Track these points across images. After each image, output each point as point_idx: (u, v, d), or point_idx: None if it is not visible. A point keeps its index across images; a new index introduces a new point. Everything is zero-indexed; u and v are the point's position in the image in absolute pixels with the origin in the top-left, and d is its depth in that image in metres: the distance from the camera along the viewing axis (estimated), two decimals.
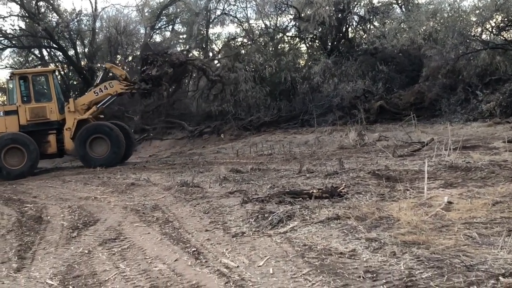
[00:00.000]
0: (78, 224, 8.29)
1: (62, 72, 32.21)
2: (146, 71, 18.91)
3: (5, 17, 28.85)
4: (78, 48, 31.46)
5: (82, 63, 31.24)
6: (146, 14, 31.83)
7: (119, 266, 5.91)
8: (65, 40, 30.65)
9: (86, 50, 31.69)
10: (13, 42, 30.07)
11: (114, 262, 6.09)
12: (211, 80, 23.13)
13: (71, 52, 30.91)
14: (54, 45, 30.25)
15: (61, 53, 31.06)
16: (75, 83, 32.48)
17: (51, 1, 29.37)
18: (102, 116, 18.95)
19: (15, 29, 29.32)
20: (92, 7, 31.04)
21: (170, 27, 34.47)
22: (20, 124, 17.16)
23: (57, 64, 31.81)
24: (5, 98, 18.24)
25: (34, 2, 28.81)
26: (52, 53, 32.23)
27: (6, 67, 31.05)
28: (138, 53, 31.52)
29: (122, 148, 17.87)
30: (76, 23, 30.82)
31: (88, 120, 17.93)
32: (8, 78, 18.67)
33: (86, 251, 6.70)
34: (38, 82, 18.15)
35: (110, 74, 20.35)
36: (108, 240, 7.11)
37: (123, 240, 7.06)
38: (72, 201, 10.59)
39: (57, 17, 29.74)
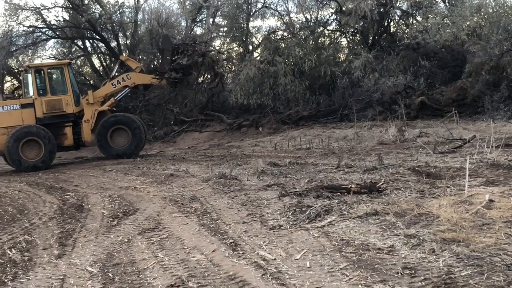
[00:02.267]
0: (118, 213, 8.42)
1: (105, 64, 32.70)
2: (176, 61, 19.19)
3: (49, 8, 29.45)
4: (120, 40, 31.85)
5: (124, 54, 31.62)
6: (188, 6, 32.02)
7: (158, 255, 5.99)
8: (107, 32, 31.06)
9: (128, 42, 32.07)
10: (57, 33, 30.59)
11: (153, 251, 6.17)
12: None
13: (113, 44, 31.31)
14: (97, 37, 30.70)
15: (103, 45, 31.48)
16: (116, 74, 32.88)
17: None
18: (115, 108, 19.28)
19: (59, 20, 29.88)
20: (134, 0, 31.37)
21: (211, 20, 34.57)
22: (36, 117, 17.46)
23: (99, 55, 32.30)
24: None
25: None
26: (95, 44, 32.73)
27: (50, 57, 31.62)
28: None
29: (143, 140, 18.32)
30: (118, 15, 31.21)
31: (105, 112, 18.28)
32: (24, 71, 18.97)
33: (126, 240, 6.80)
34: (53, 75, 18.41)
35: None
36: (147, 230, 7.21)
37: (161, 230, 7.15)
38: (113, 191, 10.77)
39: (100, 9, 30.18)
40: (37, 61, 30.21)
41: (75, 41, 32.43)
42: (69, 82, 17.94)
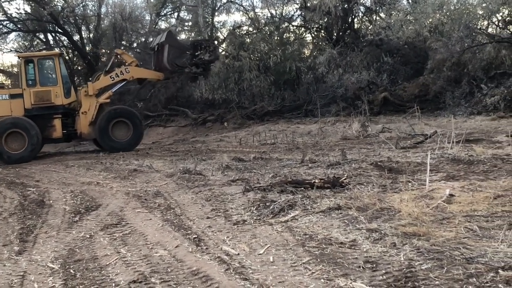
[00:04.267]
0: (80, 209, 8.32)
1: (67, 57, 32.23)
2: (199, 56, 19.54)
3: (10, 0, 28.94)
4: (83, 33, 31.48)
5: (87, 48, 31.28)
6: (152, 0, 31.79)
7: (120, 251, 5.94)
8: (70, 25, 30.68)
9: (91, 35, 31.72)
10: (18, 26, 30.08)
11: (115, 247, 6.12)
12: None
13: (76, 37, 30.96)
14: (59, 30, 30.28)
15: (66, 38, 31.10)
16: (79, 68, 32.51)
17: None
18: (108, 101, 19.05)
19: (20, 13, 29.38)
20: None
21: (176, 14, 34.43)
22: (25, 108, 17.16)
23: (62, 49, 31.83)
24: (9, 82, 18.37)
25: None
26: (57, 37, 32.29)
27: (11, 51, 31.09)
28: (143, 39, 31.56)
29: (142, 133, 18.49)
30: (81, 8, 30.91)
31: (102, 104, 18.16)
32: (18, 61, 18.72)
33: (88, 236, 6.73)
34: (44, 65, 18.09)
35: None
36: (110, 225, 7.14)
37: (124, 226, 7.09)
38: (75, 186, 10.63)
39: (63, 1, 29.75)
40: None
41: (37, 34, 31.93)
42: (60, 73, 17.64)
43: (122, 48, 28.10)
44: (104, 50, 32.01)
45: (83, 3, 30.62)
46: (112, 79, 18.41)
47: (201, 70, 20.12)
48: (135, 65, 19.00)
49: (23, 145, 16.73)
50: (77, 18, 30.53)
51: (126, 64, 18.95)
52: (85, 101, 17.89)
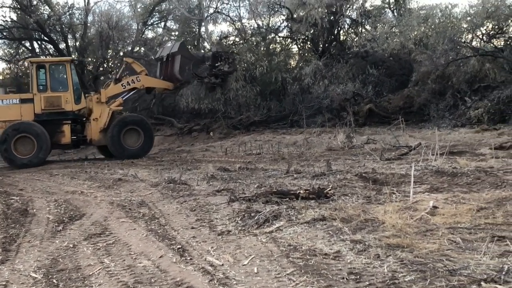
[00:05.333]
0: (64, 218, 8.27)
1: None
2: (218, 67, 20.32)
3: None
4: (69, 41, 31.35)
5: (73, 56, 31.12)
6: (139, 9, 31.77)
7: (104, 261, 5.90)
8: (56, 33, 30.56)
9: (77, 44, 31.60)
10: (4, 33, 29.90)
11: (99, 257, 6.09)
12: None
13: (62, 46, 30.82)
14: (45, 38, 30.16)
15: (52, 46, 30.96)
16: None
17: None
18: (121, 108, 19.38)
19: (6, 21, 29.25)
20: (84, 1, 31.01)
21: (163, 23, 34.42)
22: (35, 113, 17.27)
23: (48, 57, 31.67)
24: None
25: None
26: (43, 45, 32.13)
27: None
28: (130, 48, 31.51)
29: (153, 141, 18.79)
30: (68, 17, 30.78)
31: (113, 112, 18.39)
32: (28, 66, 18.84)
33: (71, 245, 6.69)
34: (55, 71, 18.17)
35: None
36: (94, 235, 7.10)
37: (108, 235, 7.06)
38: (59, 195, 10.56)
39: (49, 10, 29.69)
40: None
41: (23, 42, 31.76)
42: (71, 79, 17.77)
43: (109, 57, 28.11)
44: (90, 59, 31.92)
45: (70, 12, 30.55)
46: (124, 87, 18.64)
47: (220, 80, 20.96)
48: (145, 74, 19.23)
49: (32, 150, 16.84)
50: (63, 26, 30.42)
51: (138, 72, 19.19)
52: (97, 108, 18.07)
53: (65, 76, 17.85)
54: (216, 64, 20.50)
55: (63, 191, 11.05)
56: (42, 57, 28.37)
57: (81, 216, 8.40)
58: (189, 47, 30.34)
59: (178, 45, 19.77)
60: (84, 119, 18.24)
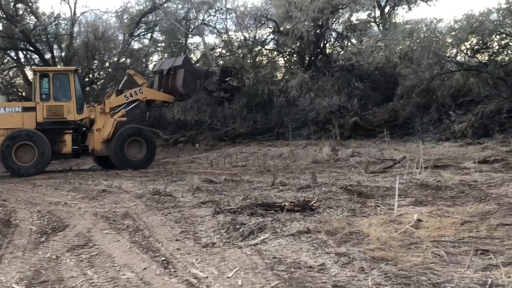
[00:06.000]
0: (47, 229, 8.19)
1: None
2: (227, 82, 20.51)
3: None
4: (55, 51, 31.23)
5: (59, 66, 31.00)
6: (125, 20, 31.75)
7: (87, 273, 5.85)
8: (42, 43, 30.44)
9: (63, 54, 31.47)
10: None
11: (82, 269, 6.03)
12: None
13: (48, 56, 30.68)
14: (31, 48, 30.00)
15: (37, 56, 30.80)
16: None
17: (30, 4, 29.16)
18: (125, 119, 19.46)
19: None
20: (71, 12, 30.85)
21: (149, 35, 34.42)
22: (37, 121, 17.24)
23: (33, 67, 31.54)
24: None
25: (12, 4, 28.56)
26: (29, 55, 31.96)
27: None
28: (116, 59, 31.44)
29: (156, 151, 18.88)
30: (54, 27, 30.69)
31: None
32: (33, 74, 18.83)
33: (54, 257, 6.62)
34: (58, 80, 18.10)
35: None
36: (77, 247, 7.03)
37: (92, 247, 6.99)
38: (42, 206, 10.46)
39: (35, 19, 29.56)
40: None
41: (8, 51, 31.57)
42: (74, 89, 17.72)
43: (94, 67, 28.04)
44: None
45: (56, 22, 30.45)
46: (127, 98, 18.73)
47: (229, 95, 21.03)
48: (146, 86, 19.36)
49: (32, 158, 16.82)
50: (49, 36, 30.33)
51: (140, 84, 19.34)
52: (100, 118, 18.12)
53: (68, 86, 17.82)
54: (226, 79, 20.71)
55: (47, 202, 10.96)
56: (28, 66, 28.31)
57: (65, 227, 8.32)
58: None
59: (182, 59, 20.05)
60: (85, 129, 18.28)
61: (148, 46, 33.84)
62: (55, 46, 31.34)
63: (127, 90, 19.11)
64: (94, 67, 31.36)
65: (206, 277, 5.38)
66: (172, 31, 31.81)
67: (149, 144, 18.27)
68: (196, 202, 9.64)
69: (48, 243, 7.38)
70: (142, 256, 6.32)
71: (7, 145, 16.64)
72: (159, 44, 34.29)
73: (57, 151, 17.58)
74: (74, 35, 31.35)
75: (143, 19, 32.40)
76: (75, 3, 31.32)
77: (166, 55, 33.51)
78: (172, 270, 5.68)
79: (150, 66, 32.11)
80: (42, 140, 16.88)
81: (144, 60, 33.64)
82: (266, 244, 6.44)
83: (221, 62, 27.06)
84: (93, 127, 18.12)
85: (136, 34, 33.22)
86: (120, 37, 32.58)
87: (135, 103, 19.31)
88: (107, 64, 31.03)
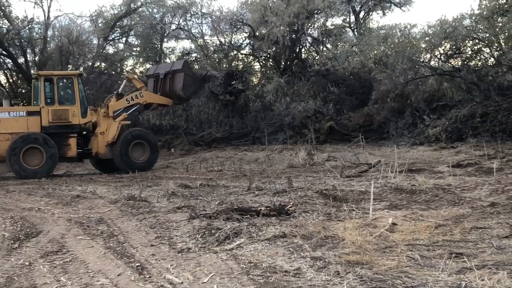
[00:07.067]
0: (20, 236, 8.06)
1: (11, 80, 31.57)
2: (233, 85, 21.44)
3: None
4: (28, 56, 30.88)
5: (32, 71, 30.66)
6: (100, 25, 31.53)
7: (60, 280, 5.77)
8: (15, 48, 30.06)
9: (37, 58, 31.14)
10: None
11: (55, 275, 5.95)
12: None
13: (21, 60, 30.31)
14: (4, 52, 29.60)
15: (10, 61, 30.40)
16: (23, 91, 31.83)
17: (3, 8, 28.77)
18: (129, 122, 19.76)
19: None
20: (44, 16, 30.56)
21: (124, 39, 34.24)
22: (42, 125, 17.30)
23: (6, 71, 31.19)
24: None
25: None
26: (1, 60, 31.53)
27: None
28: (90, 64, 31.21)
29: (158, 154, 19.25)
30: (27, 31, 30.33)
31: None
32: (34, 78, 18.87)
33: (27, 263, 6.52)
34: (63, 85, 18.28)
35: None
36: (50, 253, 6.94)
37: (65, 253, 6.91)
38: (15, 212, 10.30)
39: (8, 24, 29.17)
40: None
41: None
42: (78, 93, 17.81)
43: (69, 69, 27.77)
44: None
45: (29, 26, 30.11)
46: (128, 102, 18.99)
47: (234, 98, 22.04)
48: (144, 89, 19.59)
49: (40, 161, 16.91)
50: (22, 40, 29.98)
51: (138, 88, 19.61)
52: (104, 121, 18.29)
53: (72, 90, 17.96)
54: (232, 83, 21.37)
55: (20, 208, 10.80)
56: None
57: (38, 233, 8.21)
58: (151, 63, 30.41)
59: (182, 63, 20.38)
60: (85, 132, 18.34)
61: (123, 50, 33.64)
62: (28, 51, 31.00)
63: (127, 94, 19.51)
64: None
65: (181, 282, 5.34)
66: (148, 35, 31.70)
67: (152, 147, 18.55)
68: (171, 207, 9.59)
69: (21, 249, 7.27)
70: (117, 262, 6.26)
71: (15, 147, 16.72)
72: (134, 49, 34.12)
73: (62, 155, 17.64)
74: (48, 39, 31.06)
75: (118, 23, 32.20)
76: (48, 7, 30.92)
77: (141, 59, 33.40)
78: (147, 276, 5.64)
79: (125, 70, 32.02)
80: (51, 144, 17.01)
81: (119, 65, 33.45)
82: (242, 249, 6.42)
83: (196, 66, 27.02)
84: (96, 130, 18.29)
85: (111, 38, 33.02)
86: (95, 41, 32.40)
87: (135, 107, 19.54)
88: (81, 68, 30.76)
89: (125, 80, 20.86)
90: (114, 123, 18.28)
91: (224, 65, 27.16)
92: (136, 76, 22.22)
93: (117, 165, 18.20)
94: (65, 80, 18.33)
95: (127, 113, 19.03)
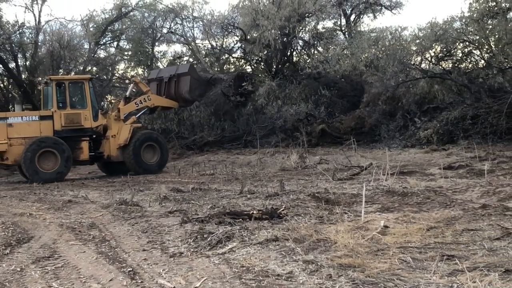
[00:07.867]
0: (11, 241, 8.03)
1: (2, 85, 31.44)
2: (243, 86, 22.38)
3: None
4: (19, 61, 30.77)
5: (23, 76, 30.58)
6: (91, 29, 31.48)
7: (52, 285, 5.75)
8: (6, 52, 29.94)
9: (28, 63, 31.03)
10: None
11: (47, 281, 5.92)
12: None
13: (12, 65, 30.19)
14: None
15: (1, 66, 30.27)
16: (15, 96, 31.72)
17: None
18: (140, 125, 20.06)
19: None
20: (35, 20, 30.49)
21: (115, 43, 34.20)
22: (54, 129, 17.48)
23: None
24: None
25: None
26: None
27: None
28: (82, 68, 31.12)
29: (168, 156, 19.69)
30: (18, 36, 30.21)
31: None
32: (44, 83, 19.01)
33: (19, 269, 6.49)
34: (74, 89, 18.38)
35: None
36: (42, 258, 6.91)
37: (57, 259, 6.88)
38: (6, 217, 10.26)
39: None
40: None
41: None
42: (89, 97, 18.00)
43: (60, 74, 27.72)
44: (40, 78, 31.41)
45: (20, 31, 30.01)
46: (137, 105, 19.37)
47: (244, 99, 22.78)
48: (151, 93, 19.88)
49: (55, 165, 17.09)
50: (13, 45, 29.87)
51: (144, 92, 19.89)
52: (115, 125, 18.51)
53: (83, 94, 18.09)
54: (242, 84, 22.10)
55: (11, 213, 10.75)
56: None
57: (29, 238, 8.18)
58: (142, 67, 30.40)
59: (188, 66, 20.81)
60: (95, 136, 18.50)
61: (114, 54, 33.60)
62: (19, 55, 30.90)
63: (135, 97, 19.82)
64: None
65: (174, 287, 5.33)
66: (139, 39, 31.68)
67: (163, 148, 18.87)
68: (163, 212, 9.58)
69: (13, 255, 7.23)
70: (109, 267, 6.25)
71: (31, 150, 16.80)
72: (126, 53, 34.08)
73: (75, 158, 17.84)
74: (39, 44, 30.96)
75: (109, 28, 32.17)
76: (39, 12, 30.76)
77: (132, 63, 33.36)
78: (139, 281, 5.62)
79: (117, 74, 31.97)
80: (66, 148, 17.19)
81: (110, 69, 33.41)
82: (234, 253, 6.42)
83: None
84: (107, 133, 18.48)
85: (102, 42, 32.98)
86: (86, 46, 32.33)
87: (144, 110, 19.99)
88: (72, 73, 30.67)
89: (132, 84, 21.06)
90: (125, 126, 18.52)
91: (216, 69, 27.16)
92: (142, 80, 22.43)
93: (129, 167, 18.36)
94: (76, 84, 18.42)
95: (136, 116, 19.35)
